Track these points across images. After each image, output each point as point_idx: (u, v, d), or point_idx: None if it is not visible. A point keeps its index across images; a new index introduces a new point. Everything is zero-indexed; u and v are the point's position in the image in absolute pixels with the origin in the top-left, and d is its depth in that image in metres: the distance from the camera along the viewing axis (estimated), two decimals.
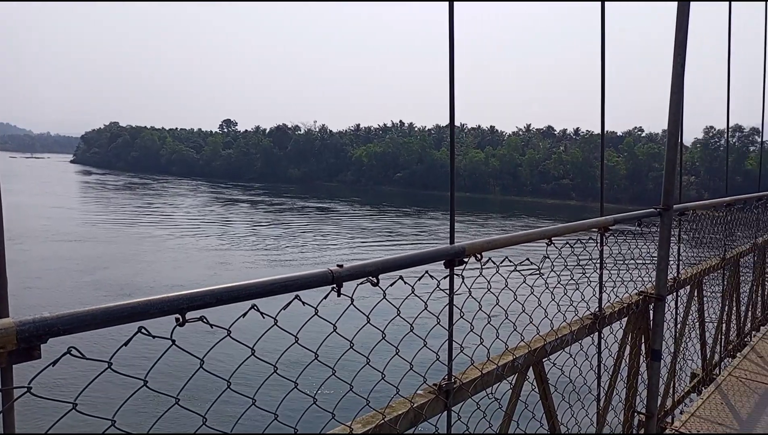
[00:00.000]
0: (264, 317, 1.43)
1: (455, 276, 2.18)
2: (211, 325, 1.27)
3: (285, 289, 1.48)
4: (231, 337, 1.39)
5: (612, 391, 3.45)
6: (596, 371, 3.23)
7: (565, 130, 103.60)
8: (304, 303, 1.53)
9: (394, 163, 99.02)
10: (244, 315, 1.42)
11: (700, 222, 4.91)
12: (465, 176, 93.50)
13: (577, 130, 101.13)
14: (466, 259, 2.13)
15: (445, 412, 2.17)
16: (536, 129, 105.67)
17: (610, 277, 3.30)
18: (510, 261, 2.36)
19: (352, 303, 1.68)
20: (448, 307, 2.17)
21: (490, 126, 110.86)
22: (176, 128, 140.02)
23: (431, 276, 1.99)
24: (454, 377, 2.19)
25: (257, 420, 1.54)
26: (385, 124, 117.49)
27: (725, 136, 79.86)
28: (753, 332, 6.58)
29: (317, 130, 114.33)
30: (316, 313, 1.60)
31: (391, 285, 1.83)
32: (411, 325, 1.91)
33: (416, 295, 1.92)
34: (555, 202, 78.80)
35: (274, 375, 1.57)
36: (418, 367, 2.08)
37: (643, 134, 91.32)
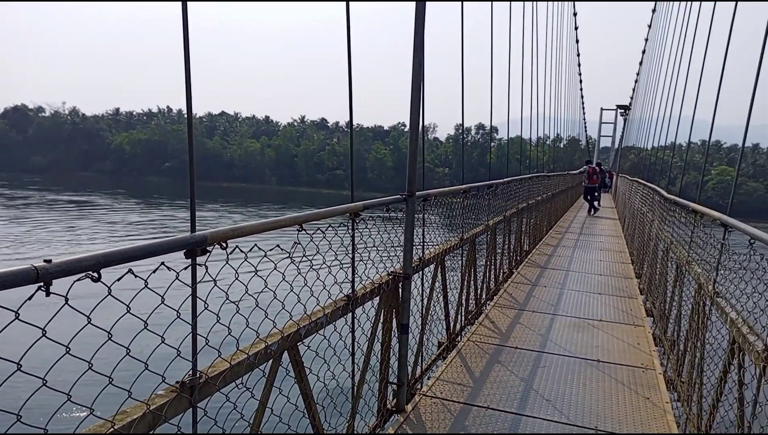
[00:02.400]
0: None
1: (200, 266, 2.09)
2: None
3: None
4: None
5: (366, 366, 3.68)
6: (350, 349, 3.41)
7: (337, 123, 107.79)
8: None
9: (162, 151, 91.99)
10: None
11: (442, 207, 5.52)
12: (240, 166, 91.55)
13: (348, 124, 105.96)
14: (209, 248, 2.05)
15: (191, 410, 2.07)
16: (311, 120, 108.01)
17: (361, 260, 3.50)
18: (259, 248, 2.34)
19: (66, 303, 1.49)
20: (191, 299, 2.06)
21: (266, 116, 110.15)
22: None
23: (169, 268, 1.87)
24: (199, 372, 2.10)
25: None
26: (150, 109, 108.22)
27: (472, 133, 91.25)
28: (488, 302, 7.64)
29: (66, 112, 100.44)
30: (17, 317, 1.39)
31: (118, 280, 1.67)
32: (145, 322, 1.77)
33: (150, 289, 1.79)
34: (330, 192, 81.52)
35: None
36: (159, 365, 1.94)
37: (406, 129, 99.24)
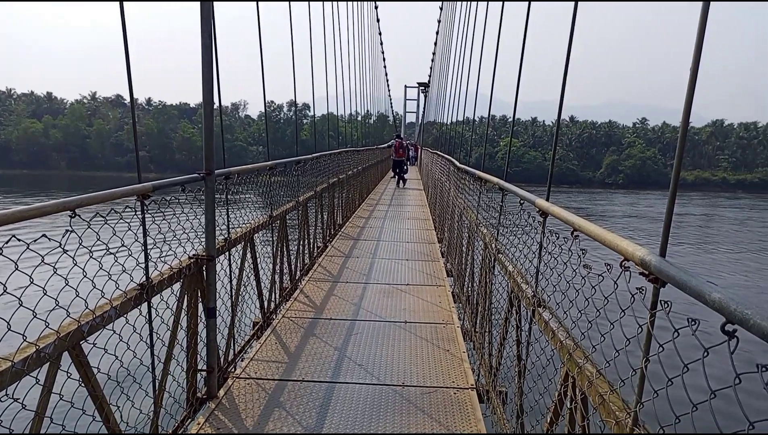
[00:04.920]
0: None
1: None
2: None
3: None
4: None
5: (170, 356, 3.47)
6: (148, 342, 3.18)
7: (137, 100, 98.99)
8: None
9: None
10: None
11: (251, 185, 5.38)
12: (19, 151, 79.80)
13: (149, 101, 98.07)
14: None
15: None
16: (104, 97, 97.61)
17: (155, 245, 3.26)
18: (18, 239, 2.04)
19: None
20: None
21: (47, 92, 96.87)
22: None
23: None
24: None
25: None
26: None
27: (284, 110, 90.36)
28: (303, 277, 7.70)
29: None
30: None
31: None
32: None
33: None
34: (132, 176, 74.49)
35: None
36: None
37: (214, 106, 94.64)
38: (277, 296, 6.46)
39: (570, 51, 3.33)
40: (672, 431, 1.64)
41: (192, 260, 3.82)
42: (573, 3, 3.18)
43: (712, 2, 1.76)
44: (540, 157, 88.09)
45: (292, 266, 7.29)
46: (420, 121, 54.06)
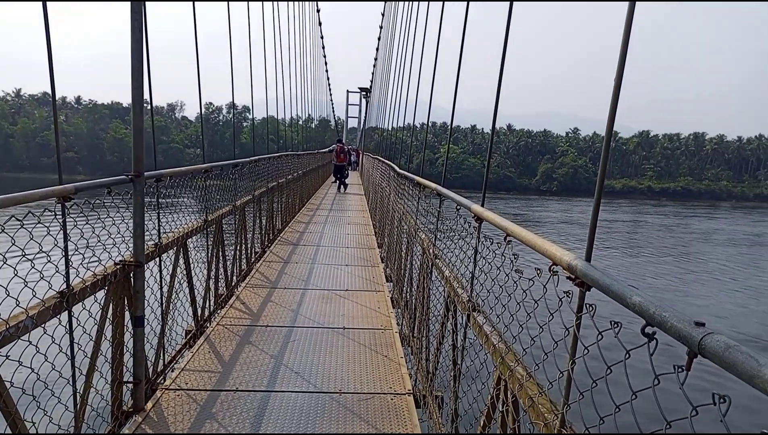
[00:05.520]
0: None
1: None
2: None
3: None
4: None
5: (92, 368, 3.29)
6: (68, 354, 3.00)
7: (64, 98, 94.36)
8: None
9: None
10: None
11: (180, 187, 5.20)
12: None
13: (78, 99, 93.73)
14: None
15: None
16: (30, 95, 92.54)
17: (78, 251, 3.09)
18: None
19: None
20: None
21: None
22: None
23: None
24: None
25: None
26: None
27: (223, 112, 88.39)
28: (240, 283, 7.52)
29: None
30: None
31: None
32: None
33: None
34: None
35: None
36: None
37: (147, 106, 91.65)
38: (212, 303, 6.28)
39: (504, 56, 3.40)
40: (596, 431, 1.68)
41: (118, 266, 3.64)
42: (508, 4, 3.26)
43: (638, 4, 1.83)
44: (479, 164, 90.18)
45: (228, 272, 7.10)
46: (362, 126, 54.14)
